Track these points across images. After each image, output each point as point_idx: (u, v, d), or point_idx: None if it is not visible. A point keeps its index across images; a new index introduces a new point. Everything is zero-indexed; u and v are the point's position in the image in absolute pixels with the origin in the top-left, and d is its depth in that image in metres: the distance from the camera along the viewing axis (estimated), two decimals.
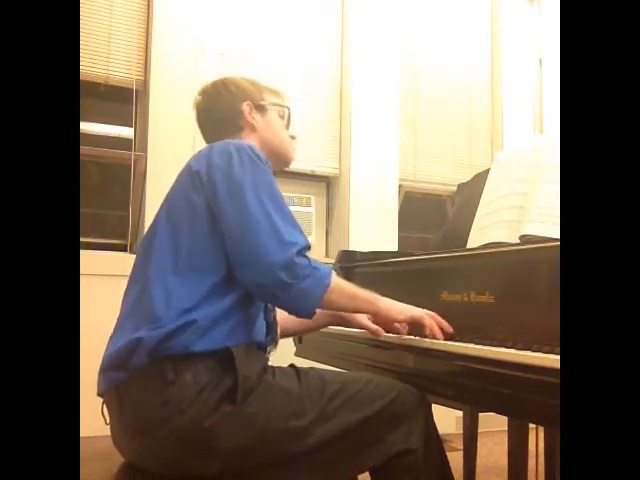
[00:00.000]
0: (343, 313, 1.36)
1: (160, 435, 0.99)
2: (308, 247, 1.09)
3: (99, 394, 1.09)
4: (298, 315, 1.12)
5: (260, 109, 1.31)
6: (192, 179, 1.12)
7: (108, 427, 1.09)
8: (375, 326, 1.29)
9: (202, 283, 1.06)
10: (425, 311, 1.18)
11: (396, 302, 1.20)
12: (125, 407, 1.03)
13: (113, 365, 1.05)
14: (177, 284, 1.05)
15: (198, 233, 1.09)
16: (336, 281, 1.11)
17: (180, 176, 1.17)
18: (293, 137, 1.37)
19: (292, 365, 1.15)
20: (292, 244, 1.06)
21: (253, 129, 1.30)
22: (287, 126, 1.36)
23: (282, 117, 1.35)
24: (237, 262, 1.07)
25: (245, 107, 1.29)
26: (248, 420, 1.00)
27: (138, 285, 1.10)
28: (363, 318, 1.34)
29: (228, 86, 1.32)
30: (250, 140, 1.26)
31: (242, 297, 1.09)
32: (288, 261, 1.04)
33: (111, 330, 1.11)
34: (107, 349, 1.09)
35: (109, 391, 1.06)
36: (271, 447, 1.01)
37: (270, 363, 1.14)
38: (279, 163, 1.33)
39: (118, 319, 1.12)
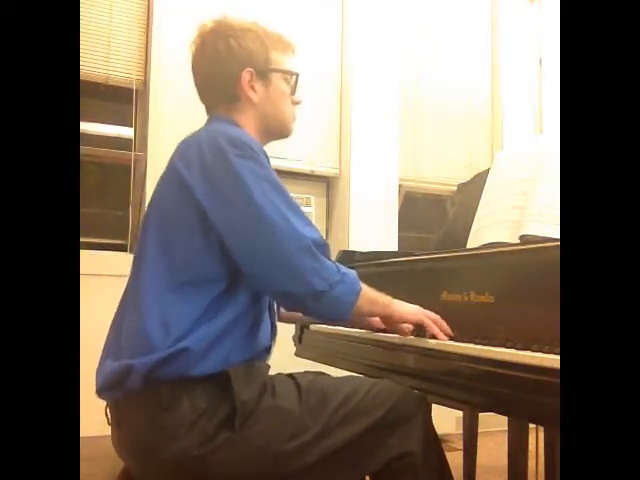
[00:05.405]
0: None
1: (156, 461, 0.97)
2: (325, 245, 1.03)
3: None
4: (332, 322, 1.09)
5: (263, 77, 1.16)
6: (180, 185, 1.03)
7: (108, 427, 1.08)
8: (407, 325, 1.20)
9: (200, 299, 1.00)
10: (427, 313, 1.15)
11: (405, 303, 1.16)
12: (122, 426, 1.01)
13: (106, 387, 1.02)
14: (173, 301, 0.99)
15: (191, 246, 1.01)
16: (362, 286, 1.06)
17: (166, 179, 1.08)
18: (298, 102, 1.21)
19: (292, 376, 1.11)
20: (318, 246, 1.01)
21: (251, 102, 1.15)
22: (293, 91, 1.20)
23: (288, 82, 1.19)
24: (254, 271, 1.00)
25: (245, 75, 1.14)
26: (247, 445, 0.97)
27: (131, 299, 1.05)
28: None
29: (230, 43, 1.15)
30: (245, 113, 1.16)
31: (245, 308, 1.04)
32: (318, 266, 0.99)
33: None
34: (100, 371, 1.05)
35: (109, 404, 1.05)
36: (271, 469, 0.99)
37: (270, 364, 1.12)
38: (275, 135, 1.21)
39: (110, 335, 1.07)
